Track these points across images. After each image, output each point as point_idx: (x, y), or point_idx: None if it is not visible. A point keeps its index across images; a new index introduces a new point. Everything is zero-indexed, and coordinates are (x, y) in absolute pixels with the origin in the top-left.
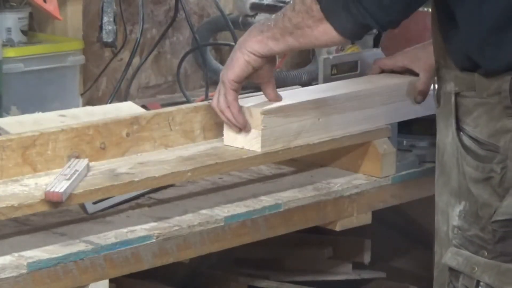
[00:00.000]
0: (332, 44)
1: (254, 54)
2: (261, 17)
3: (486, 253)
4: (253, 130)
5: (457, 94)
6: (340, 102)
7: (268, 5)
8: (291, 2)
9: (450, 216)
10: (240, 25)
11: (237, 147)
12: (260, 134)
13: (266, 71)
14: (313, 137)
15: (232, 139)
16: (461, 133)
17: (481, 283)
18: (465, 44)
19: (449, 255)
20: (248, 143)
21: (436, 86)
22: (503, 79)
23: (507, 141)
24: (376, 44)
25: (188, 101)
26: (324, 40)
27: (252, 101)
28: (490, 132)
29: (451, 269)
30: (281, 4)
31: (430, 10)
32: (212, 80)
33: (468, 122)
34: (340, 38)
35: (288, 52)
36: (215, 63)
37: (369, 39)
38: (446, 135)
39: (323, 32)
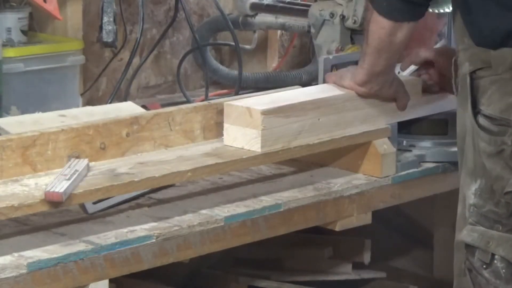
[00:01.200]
0: (388, 34)
1: (357, 84)
2: (261, 17)
3: (500, 227)
4: (253, 130)
5: (472, 74)
6: (340, 102)
7: (268, 5)
8: None
9: (467, 196)
10: (240, 25)
11: (237, 147)
12: (260, 134)
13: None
14: (313, 137)
15: (232, 139)
16: (478, 114)
17: (496, 256)
18: (482, 19)
19: (464, 233)
20: (248, 143)
21: (454, 74)
22: None
23: None
24: None
25: (188, 101)
26: (378, 31)
27: (251, 101)
28: (502, 108)
29: (467, 246)
30: (281, 4)
31: (432, 10)
32: (212, 80)
33: (483, 102)
34: (385, 21)
35: (380, 68)
36: (215, 63)
37: None
38: (464, 118)
39: (374, 22)
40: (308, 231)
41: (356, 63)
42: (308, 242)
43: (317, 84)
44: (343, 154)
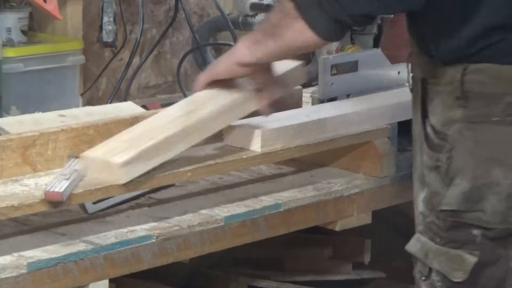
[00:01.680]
0: (310, 46)
1: (238, 64)
2: (261, 17)
3: (438, 240)
4: (253, 130)
5: (423, 81)
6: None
7: (268, 5)
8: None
9: (416, 203)
10: (240, 25)
11: (237, 147)
12: (260, 134)
13: (260, 80)
14: (313, 137)
15: (232, 139)
16: (426, 120)
17: (433, 270)
18: (426, 31)
19: (411, 242)
20: (248, 143)
21: (410, 72)
22: (455, 69)
23: (455, 131)
24: (376, 44)
25: None
26: (301, 41)
27: (109, 147)
28: (443, 121)
29: (412, 255)
30: None
31: None
32: None
33: (431, 110)
34: (316, 38)
35: (270, 60)
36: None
37: (369, 39)
38: (415, 121)
39: (299, 31)
40: (308, 231)
41: (356, 63)
42: (308, 242)
43: (317, 84)
44: (343, 154)
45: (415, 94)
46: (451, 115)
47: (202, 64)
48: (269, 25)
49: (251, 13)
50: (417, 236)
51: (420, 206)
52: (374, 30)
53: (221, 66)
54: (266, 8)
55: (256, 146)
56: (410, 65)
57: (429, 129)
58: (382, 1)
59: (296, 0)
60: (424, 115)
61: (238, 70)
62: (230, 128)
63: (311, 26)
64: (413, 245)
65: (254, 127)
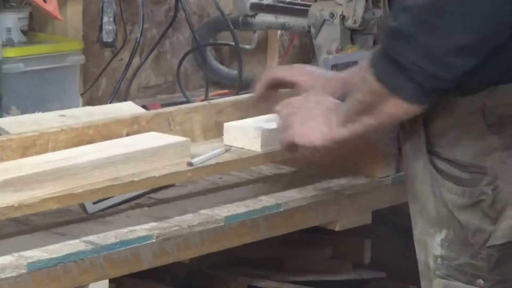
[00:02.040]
0: (410, 115)
1: (334, 141)
2: (261, 17)
3: (482, 282)
4: (253, 130)
5: (425, 116)
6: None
7: (268, 5)
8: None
9: (430, 246)
10: (240, 25)
11: (237, 147)
12: (260, 134)
13: None
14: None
15: (232, 139)
16: (433, 157)
17: None
18: None
19: None
20: (248, 143)
21: None
22: (480, 95)
23: (495, 160)
24: (376, 44)
25: (188, 101)
26: (400, 114)
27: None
28: (474, 153)
29: None
30: (281, 4)
31: None
32: (212, 80)
33: (443, 145)
34: (415, 107)
35: (366, 134)
36: (215, 63)
37: (369, 39)
38: (415, 160)
39: (395, 105)
40: (308, 231)
41: (356, 63)
42: (308, 242)
43: None
44: (343, 154)
45: (412, 133)
46: (485, 144)
47: (202, 64)
48: (359, 103)
49: (251, 13)
50: (441, 282)
51: (437, 250)
52: (374, 30)
53: (316, 138)
54: (266, 8)
55: (256, 146)
56: None
57: (444, 166)
58: (472, 60)
59: (382, 79)
60: (430, 152)
61: (332, 145)
62: (230, 128)
63: (409, 100)
64: None
65: (254, 127)
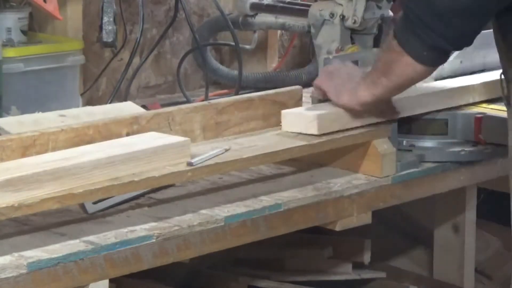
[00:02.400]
0: (419, 75)
1: (361, 105)
2: (261, 17)
3: None
4: (309, 114)
5: None
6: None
7: (268, 5)
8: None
9: None
10: (240, 25)
11: (295, 132)
12: (317, 118)
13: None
14: (368, 120)
15: (289, 125)
16: None
17: None
18: None
19: None
20: (305, 127)
21: (506, 88)
22: None
23: None
24: (376, 44)
25: (188, 101)
26: (410, 74)
27: None
28: None
29: None
30: (281, 4)
31: None
32: (212, 80)
33: None
34: (421, 67)
35: (388, 96)
36: (215, 63)
37: (369, 39)
38: None
39: (406, 64)
40: (308, 231)
41: (356, 63)
42: (308, 242)
43: None
44: (343, 154)
45: None
46: None
47: (202, 64)
48: (381, 63)
49: (251, 13)
50: None
51: None
52: (374, 30)
53: (345, 100)
54: (266, 8)
55: (313, 129)
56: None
57: None
58: (472, 20)
59: (397, 35)
60: None
61: (358, 108)
62: (287, 114)
63: (415, 57)
64: None
65: (310, 112)
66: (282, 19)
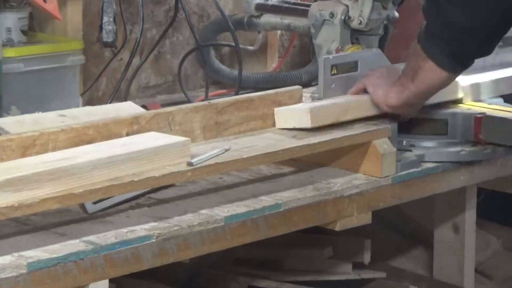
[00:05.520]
0: (443, 82)
1: (388, 106)
2: (266, 17)
3: None
4: (302, 108)
5: None
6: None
7: (273, 6)
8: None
9: None
10: (245, 25)
11: (289, 128)
12: (309, 111)
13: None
14: (362, 113)
15: (283, 122)
16: None
17: None
18: None
19: None
20: (298, 121)
21: None
22: None
23: None
24: (381, 45)
25: (189, 101)
26: (433, 79)
27: None
28: None
29: None
30: (286, 5)
31: None
32: (212, 80)
33: None
34: (444, 73)
35: (415, 101)
36: (217, 63)
37: (374, 40)
38: None
39: (430, 70)
40: (308, 231)
41: (356, 63)
42: (308, 242)
43: (317, 84)
44: (343, 154)
45: None
46: None
47: (202, 64)
48: (409, 68)
49: (256, 14)
50: None
51: None
52: (380, 31)
53: (378, 96)
54: (272, 8)
55: (306, 123)
56: None
57: None
58: (493, 32)
59: (421, 41)
60: None
61: (386, 109)
62: (280, 111)
63: (437, 63)
64: None
65: (302, 106)
66: (287, 20)
